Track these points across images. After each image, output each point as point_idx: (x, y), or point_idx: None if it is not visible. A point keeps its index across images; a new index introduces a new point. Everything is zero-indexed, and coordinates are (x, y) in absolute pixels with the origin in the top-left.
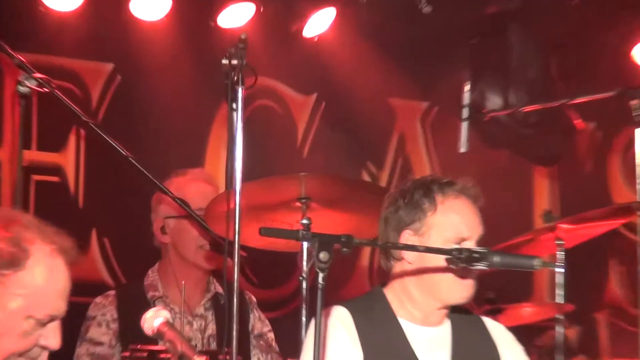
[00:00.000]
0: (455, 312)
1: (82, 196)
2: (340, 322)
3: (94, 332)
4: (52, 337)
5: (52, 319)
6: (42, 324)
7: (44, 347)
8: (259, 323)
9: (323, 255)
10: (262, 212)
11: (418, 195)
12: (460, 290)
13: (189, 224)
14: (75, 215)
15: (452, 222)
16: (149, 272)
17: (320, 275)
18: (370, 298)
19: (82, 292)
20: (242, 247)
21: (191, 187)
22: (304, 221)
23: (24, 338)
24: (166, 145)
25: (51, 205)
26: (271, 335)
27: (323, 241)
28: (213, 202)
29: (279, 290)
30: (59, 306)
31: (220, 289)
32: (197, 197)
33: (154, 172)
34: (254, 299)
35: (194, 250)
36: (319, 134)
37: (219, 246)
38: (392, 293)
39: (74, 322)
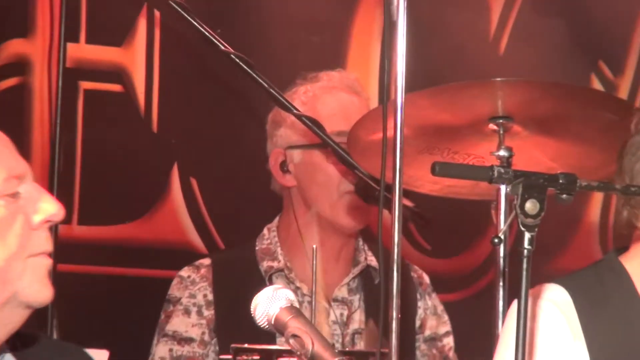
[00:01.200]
0: None
1: (156, 115)
2: (556, 307)
3: (179, 323)
4: (41, 201)
5: (20, 180)
6: (13, 194)
7: (42, 224)
8: (433, 319)
9: (530, 206)
10: (437, 139)
11: None
12: None
13: (323, 158)
14: (146, 142)
15: None
16: (264, 231)
17: (527, 236)
18: (600, 272)
19: (160, 260)
20: (407, 195)
21: (326, 100)
22: (501, 152)
23: (6, 228)
24: (288, 38)
25: (110, 128)
26: (449, 341)
27: (530, 183)
28: (361, 124)
29: (462, 259)
30: (13, 164)
31: (374, 261)
32: (335, 115)
33: (269, 76)
34: (427, 279)
35: (332, 199)
36: (523, 19)
37: (371, 192)
38: (637, 264)
39: (146, 307)
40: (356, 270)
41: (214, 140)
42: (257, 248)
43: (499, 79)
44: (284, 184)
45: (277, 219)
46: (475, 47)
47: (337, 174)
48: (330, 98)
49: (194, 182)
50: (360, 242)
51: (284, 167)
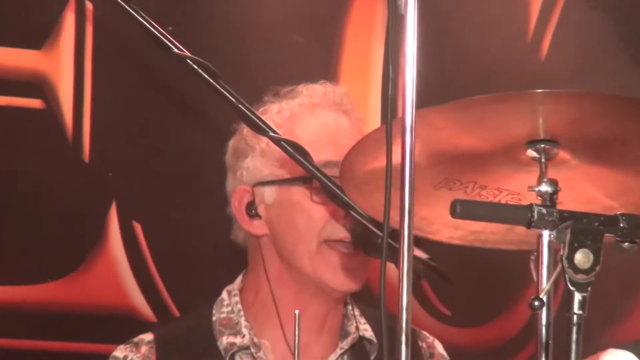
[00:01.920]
0: None
1: (88, 139)
2: None
3: None
4: None
5: None
6: None
7: None
8: None
9: (582, 257)
10: (458, 170)
11: None
12: None
13: (306, 196)
14: (75, 175)
15: None
16: (223, 294)
17: (577, 298)
18: None
19: (94, 331)
20: (419, 243)
21: (308, 122)
22: (543, 188)
23: None
24: (263, 40)
25: (26, 156)
26: None
27: (581, 228)
28: (357, 150)
29: (491, 329)
30: None
31: (368, 331)
32: (319, 141)
33: (238, 89)
34: (440, 349)
35: (314, 249)
36: (571, 14)
37: (371, 240)
38: None
39: None
40: (345, 344)
41: (163, 173)
42: (214, 318)
43: (540, 90)
44: (252, 232)
45: (239, 278)
46: (509, 49)
47: (324, 217)
48: (313, 119)
49: (137, 228)
50: (350, 307)
51: (251, 209)
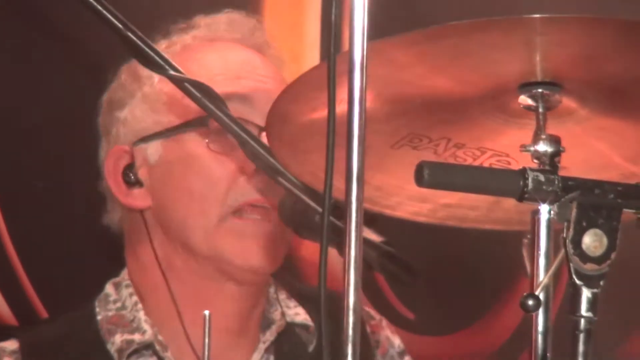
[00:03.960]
0: None
1: None
2: None
3: None
4: None
5: None
6: None
7: None
8: None
9: (592, 241)
10: (426, 123)
11: None
12: None
13: (201, 147)
14: None
15: None
16: (108, 289)
17: (585, 295)
18: None
19: None
20: (372, 221)
21: (206, 57)
22: (541, 147)
23: None
24: None
25: None
26: None
27: (592, 202)
28: (288, 95)
29: (470, 336)
30: None
31: (301, 315)
32: (222, 75)
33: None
34: (397, 342)
35: (213, 224)
36: None
37: (303, 220)
38: None
39: None
40: (269, 336)
41: (26, 134)
42: (99, 317)
43: (537, 15)
44: (131, 205)
45: (126, 268)
46: None
47: (229, 174)
48: (212, 53)
49: None
50: (272, 291)
51: (129, 175)
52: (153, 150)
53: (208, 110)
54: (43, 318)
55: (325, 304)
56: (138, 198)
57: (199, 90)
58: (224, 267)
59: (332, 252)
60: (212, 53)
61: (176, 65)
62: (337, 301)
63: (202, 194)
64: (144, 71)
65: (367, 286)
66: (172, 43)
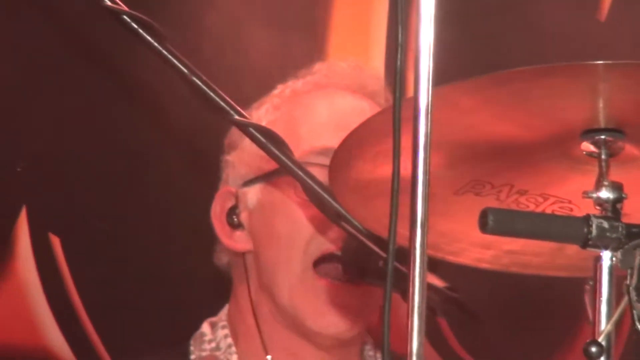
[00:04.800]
0: None
1: None
2: None
3: None
4: None
5: None
6: None
7: None
8: None
9: None
10: (490, 169)
11: None
12: None
13: (289, 195)
14: None
15: None
16: (204, 328)
17: None
18: None
19: None
20: (436, 267)
21: (314, 104)
22: (604, 194)
23: None
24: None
25: None
26: None
27: None
28: (351, 143)
29: None
30: None
31: None
32: (327, 128)
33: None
34: None
35: (297, 275)
36: None
37: (370, 262)
38: None
39: None
40: None
41: (91, 168)
42: (192, 357)
43: (601, 62)
44: (232, 247)
45: (225, 308)
46: (559, 8)
47: (313, 221)
48: (320, 99)
49: (55, 242)
50: (367, 348)
51: (233, 217)
52: (252, 194)
53: (272, 156)
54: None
55: (388, 350)
56: (239, 241)
57: (264, 136)
58: (299, 326)
59: (397, 298)
60: (320, 99)
61: (264, 116)
62: None
63: (289, 238)
64: (256, 115)
65: (431, 331)
66: (285, 87)
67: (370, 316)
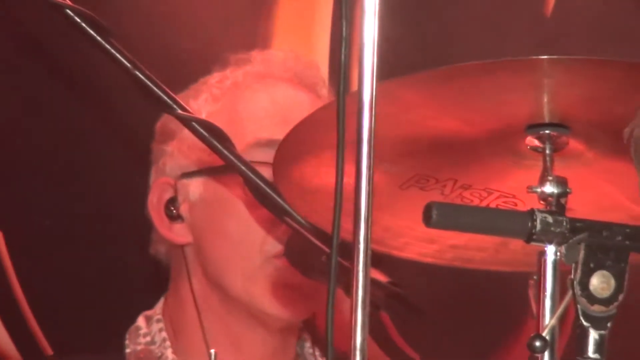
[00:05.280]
0: None
1: None
2: None
3: None
4: None
5: None
6: None
7: None
8: None
9: (600, 283)
10: (434, 164)
11: None
12: None
13: (238, 194)
14: None
15: None
16: (139, 321)
17: (593, 337)
18: None
19: None
20: (379, 262)
21: (255, 95)
22: (548, 188)
23: None
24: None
25: None
26: None
27: (599, 243)
28: (293, 138)
29: None
30: None
31: None
32: (267, 119)
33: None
34: None
35: (249, 267)
36: None
37: (314, 258)
38: None
39: None
40: None
41: (35, 161)
42: (127, 350)
43: (545, 56)
44: (171, 239)
45: (160, 302)
46: (503, 3)
47: (265, 221)
48: (261, 92)
49: None
50: (307, 345)
51: (171, 209)
52: (194, 187)
53: (216, 151)
54: (48, 355)
55: (332, 345)
56: (179, 233)
57: (207, 130)
58: (255, 312)
59: (340, 293)
60: (261, 92)
61: (204, 106)
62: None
63: (240, 238)
64: (194, 105)
65: (374, 327)
66: (225, 78)
67: (319, 300)
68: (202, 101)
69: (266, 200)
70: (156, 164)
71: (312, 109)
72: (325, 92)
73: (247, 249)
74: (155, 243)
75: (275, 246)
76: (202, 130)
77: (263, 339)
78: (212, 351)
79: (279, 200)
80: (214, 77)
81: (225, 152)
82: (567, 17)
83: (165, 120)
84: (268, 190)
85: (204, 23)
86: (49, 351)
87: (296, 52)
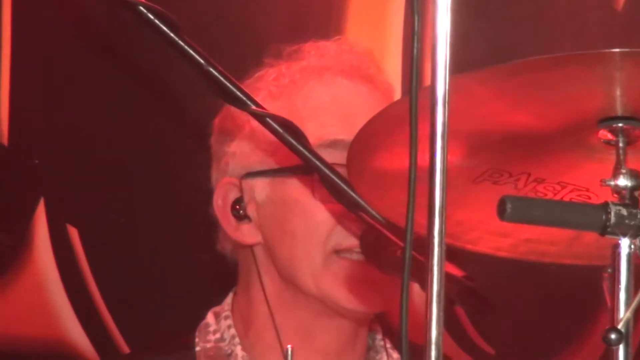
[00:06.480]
0: None
1: (6, 117)
2: None
3: None
4: None
5: None
6: None
7: None
8: None
9: None
10: (507, 158)
11: None
12: None
13: (306, 193)
14: None
15: None
16: (209, 318)
17: None
18: None
19: None
20: (453, 256)
21: (314, 91)
22: (621, 181)
23: None
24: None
25: None
26: None
27: None
28: (367, 133)
29: None
30: None
31: None
32: (328, 115)
33: (218, 53)
34: None
35: (317, 262)
36: None
37: (388, 252)
38: None
39: None
40: None
41: (108, 161)
42: (197, 348)
43: (617, 50)
44: (239, 240)
45: (229, 298)
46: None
47: (331, 220)
48: (320, 87)
49: (73, 233)
50: (378, 337)
51: (238, 209)
52: (260, 188)
53: (289, 146)
54: (123, 355)
55: (406, 340)
56: (247, 234)
57: (281, 126)
58: (330, 304)
59: (415, 287)
60: (319, 88)
61: (262, 103)
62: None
63: (304, 236)
64: None
65: (448, 321)
66: (281, 75)
67: (393, 293)
68: (260, 99)
69: (342, 197)
70: (217, 162)
71: (372, 100)
72: (381, 80)
73: (311, 247)
74: (222, 241)
75: (344, 240)
76: (276, 127)
77: (337, 331)
78: (289, 347)
79: (353, 194)
80: (270, 74)
81: (301, 148)
82: (638, 11)
83: (223, 118)
84: (342, 185)
85: (276, 17)
86: (125, 349)
87: (348, 41)
